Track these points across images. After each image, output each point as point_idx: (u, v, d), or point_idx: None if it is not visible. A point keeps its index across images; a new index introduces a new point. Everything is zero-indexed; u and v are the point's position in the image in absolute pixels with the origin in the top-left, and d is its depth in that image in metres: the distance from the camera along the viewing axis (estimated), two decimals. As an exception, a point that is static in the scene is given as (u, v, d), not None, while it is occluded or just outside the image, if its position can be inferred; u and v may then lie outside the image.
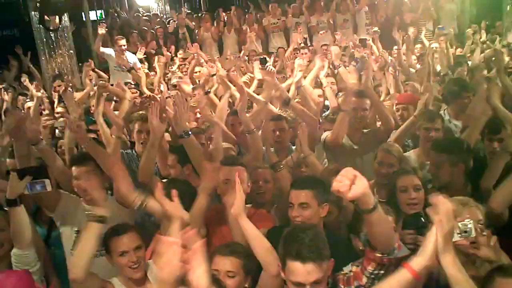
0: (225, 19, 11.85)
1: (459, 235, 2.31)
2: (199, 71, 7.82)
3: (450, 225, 2.02)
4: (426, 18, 10.89)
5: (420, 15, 10.89)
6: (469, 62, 7.46)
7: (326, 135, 4.47)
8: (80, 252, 2.64)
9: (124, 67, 8.44)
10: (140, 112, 4.64)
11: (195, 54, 8.34)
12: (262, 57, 7.49)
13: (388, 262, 2.44)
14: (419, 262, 2.07)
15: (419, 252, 2.10)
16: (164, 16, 15.10)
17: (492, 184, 3.34)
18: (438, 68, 7.07)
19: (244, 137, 4.35)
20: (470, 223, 2.12)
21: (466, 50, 8.12)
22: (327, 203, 2.93)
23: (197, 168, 3.73)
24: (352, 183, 2.04)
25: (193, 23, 11.84)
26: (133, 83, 7.95)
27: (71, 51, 9.96)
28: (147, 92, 6.46)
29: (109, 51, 8.99)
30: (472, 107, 4.18)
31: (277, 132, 4.46)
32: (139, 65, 8.79)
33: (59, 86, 7.74)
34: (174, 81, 7.64)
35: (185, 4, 11.73)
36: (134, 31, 10.80)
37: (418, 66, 7.69)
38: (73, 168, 3.55)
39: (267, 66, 6.22)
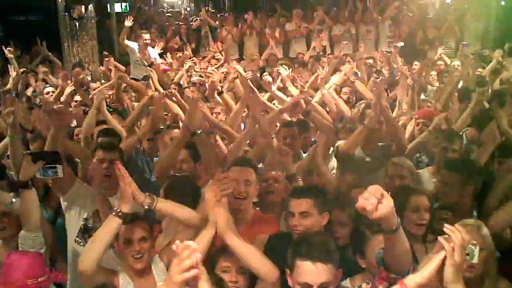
0: (248, 21, 11.90)
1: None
2: (212, 71, 7.84)
3: (462, 256, 2.01)
4: (450, 36, 10.80)
5: (443, 32, 10.81)
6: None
7: (339, 143, 4.45)
8: (95, 245, 2.60)
9: (145, 61, 8.55)
10: (149, 107, 4.64)
11: (215, 54, 8.42)
12: (261, 67, 7.54)
13: None
14: (414, 280, 2.04)
15: (418, 271, 2.07)
16: (188, 14, 15.21)
17: (496, 204, 3.32)
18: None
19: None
20: (476, 247, 2.11)
21: (486, 71, 7.98)
22: (328, 212, 2.90)
23: (207, 166, 3.77)
24: (379, 202, 2.00)
25: (217, 22, 11.91)
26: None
27: (94, 41, 10.07)
28: (160, 89, 6.46)
29: (132, 44, 9.11)
30: (486, 132, 4.19)
31: (288, 139, 4.46)
32: (159, 60, 8.87)
33: (78, 74, 7.84)
34: (194, 79, 7.71)
35: (210, 3, 11.78)
36: (155, 27, 10.89)
37: (436, 84, 7.61)
38: (100, 152, 3.58)
39: (264, 76, 6.31)
